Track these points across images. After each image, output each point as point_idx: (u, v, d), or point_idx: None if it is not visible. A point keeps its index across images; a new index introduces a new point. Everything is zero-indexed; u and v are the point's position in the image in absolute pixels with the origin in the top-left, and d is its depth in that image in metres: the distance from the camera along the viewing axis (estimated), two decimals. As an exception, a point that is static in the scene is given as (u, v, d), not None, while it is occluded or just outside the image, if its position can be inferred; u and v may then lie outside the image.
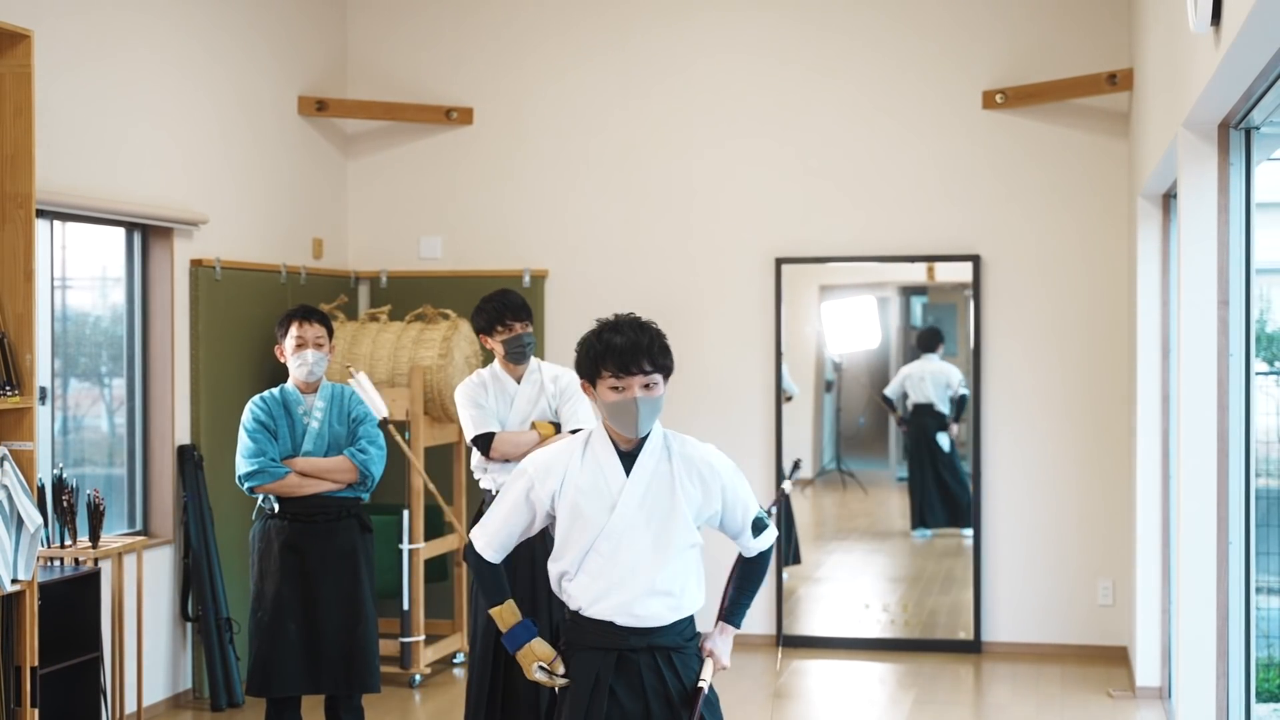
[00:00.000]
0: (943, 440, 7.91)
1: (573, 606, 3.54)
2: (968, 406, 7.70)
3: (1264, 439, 5.92)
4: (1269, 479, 6.13)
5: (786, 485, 4.28)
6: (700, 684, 3.52)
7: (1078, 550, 7.54)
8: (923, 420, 7.97)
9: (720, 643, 3.63)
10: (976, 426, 7.63)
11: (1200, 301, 4.69)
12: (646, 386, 3.45)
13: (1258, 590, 4.75)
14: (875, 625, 7.78)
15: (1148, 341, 6.78)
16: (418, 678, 7.03)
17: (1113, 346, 7.51)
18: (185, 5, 6.77)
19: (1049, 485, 7.58)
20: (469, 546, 3.68)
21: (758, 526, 3.60)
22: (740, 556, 3.70)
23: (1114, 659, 7.42)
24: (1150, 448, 6.76)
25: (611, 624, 3.48)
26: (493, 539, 3.63)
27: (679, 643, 3.52)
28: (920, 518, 8.04)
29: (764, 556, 3.67)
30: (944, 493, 7.96)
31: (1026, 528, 7.60)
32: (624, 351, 3.42)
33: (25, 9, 5.47)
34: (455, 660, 7.49)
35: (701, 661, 3.57)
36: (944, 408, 7.87)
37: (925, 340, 7.92)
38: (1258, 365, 4.72)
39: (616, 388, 3.45)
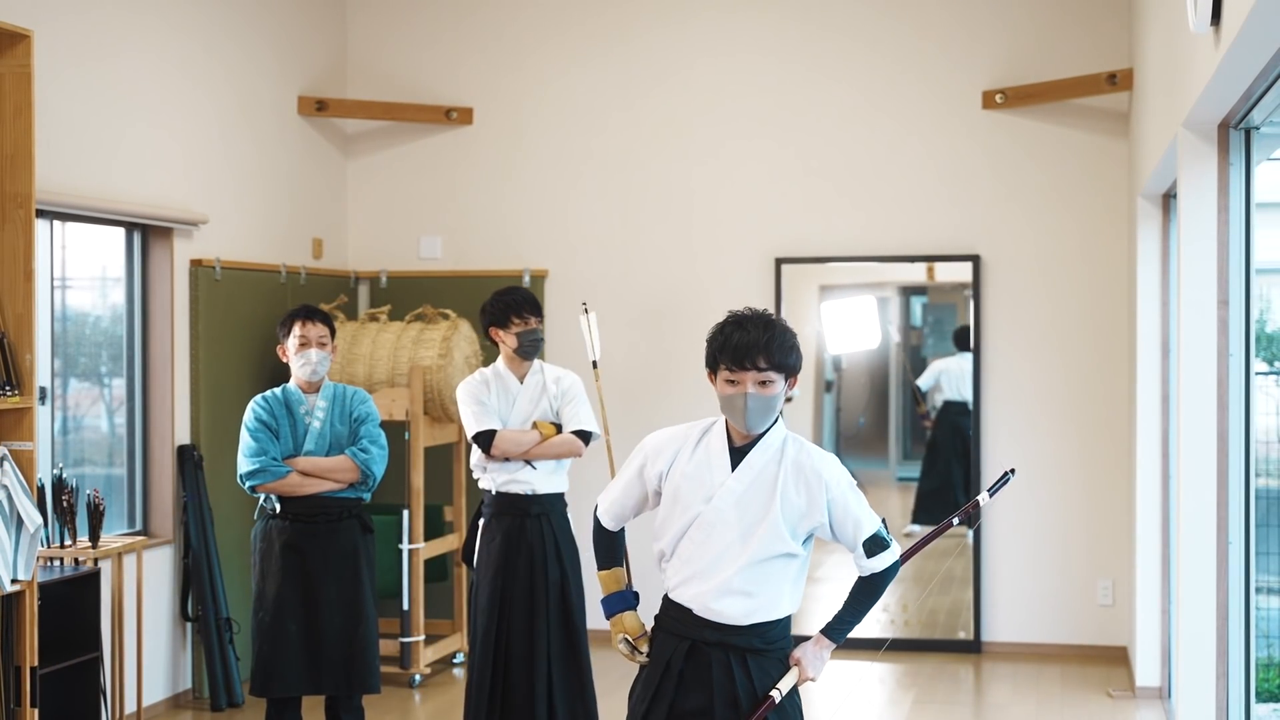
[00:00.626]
0: None
1: (665, 587, 3.55)
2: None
3: (1264, 439, 5.92)
4: (1269, 479, 6.14)
5: (983, 497, 3.87)
6: (772, 692, 3.45)
7: (1078, 550, 7.54)
8: (953, 417, 7.92)
9: (810, 653, 3.54)
10: (977, 426, 7.63)
11: (1200, 301, 4.70)
12: (762, 384, 3.40)
13: (1258, 590, 4.76)
14: (875, 625, 7.77)
15: (1148, 341, 6.78)
16: (417, 678, 7.03)
17: (1113, 346, 7.51)
18: (185, 5, 6.77)
19: (1049, 485, 7.58)
20: (596, 509, 3.73)
21: (874, 546, 3.52)
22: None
23: (1114, 659, 7.42)
24: (1150, 448, 6.76)
25: (690, 611, 3.47)
26: (610, 508, 3.68)
27: (757, 646, 3.47)
28: (932, 514, 7.99)
29: (877, 577, 3.56)
30: (967, 490, 7.95)
31: (1026, 528, 7.60)
32: (740, 347, 3.40)
33: (25, 9, 5.48)
34: (455, 660, 7.49)
35: (786, 669, 3.52)
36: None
37: (962, 338, 7.87)
38: (1257, 365, 4.72)
39: (731, 381, 3.42)
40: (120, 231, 6.54)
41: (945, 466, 8.01)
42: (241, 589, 6.71)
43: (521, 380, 5.45)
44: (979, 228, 7.66)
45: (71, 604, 5.64)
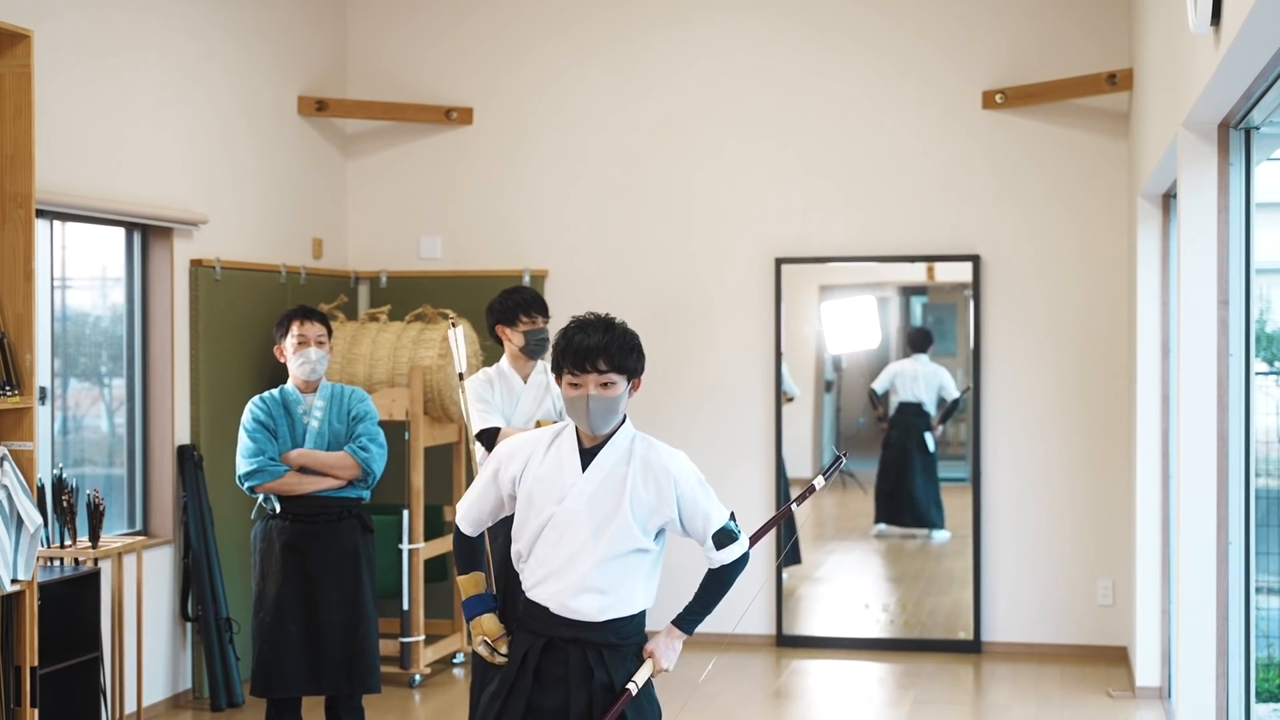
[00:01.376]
0: (930, 441, 7.99)
1: (524, 587, 3.63)
2: (964, 408, 7.73)
3: (1264, 439, 5.92)
4: (1269, 479, 6.14)
5: (819, 481, 3.96)
6: (629, 685, 3.53)
7: (1078, 550, 7.54)
8: (909, 419, 8.03)
9: (663, 645, 3.62)
10: (976, 426, 7.63)
11: (1200, 301, 4.70)
12: (604, 385, 3.50)
13: (1257, 590, 4.76)
14: (875, 625, 7.78)
15: (1147, 341, 6.78)
16: (417, 678, 7.03)
17: (1112, 346, 7.51)
18: (185, 5, 6.77)
19: (1049, 485, 7.58)
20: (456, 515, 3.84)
21: (723, 538, 3.60)
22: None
23: (1114, 659, 7.42)
24: (1150, 448, 6.76)
25: (546, 610, 3.57)
26: (467, 513, 3.79)
27: (613, 641, 3.55)
28: (892, 515, 8.09)
29: (727, 569, 3.65)
30: (927, 493, 8.04)
31: (1026, 528, 7.60)
32: (581, 350, 3.50)
33: (25, 9, 5.48)
34: (455, 660, 7.49)
35: (641, 663, 3.59)
36: (931, 408, 7.94)
37: (917, 340, 7.97)
38: (1257, 365, 4.72)
39: (574, 384, 3.53)
40: (120, 231, 6.54)
41: (899, 467, 8.10)
42: (241, 589, 6.71)
43: (525, 379, 5.48)
44: (979, 228, 7.66)
45: (71, 604, 5.64)
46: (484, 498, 3.73)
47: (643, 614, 3.62)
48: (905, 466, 8.08)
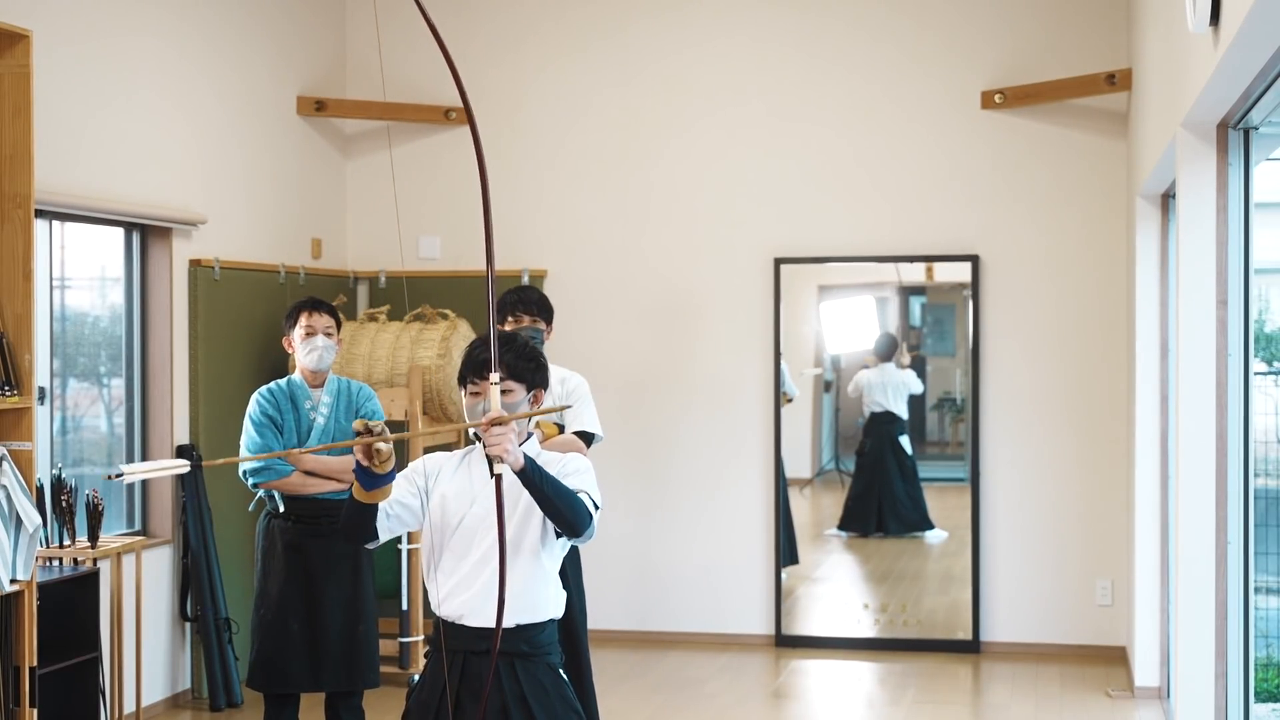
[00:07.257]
0: (907, 444, 8.03)
1: (433, 606, 3.61)
2: (961, 408, 7.74)
3: (1262, 439, 5.92)
4: (1267, 479, 6.14)
5: None
6: (498, 470, 3.35)
7: (1076, 550, 7.55)
8: (883, 427, 8.10)
9: (515, 443, 3.37)
10: (975, 426, 7.63)
11: (1199, 301, 4.70)
12: (501, 393, 3.48)
13: (1256, 590, 4.76)
14: (874, 625, 7.78)
15: (1146, 341, 6.79)
16: (416, 678, 7.02)
17: (1111, 346, 7.51)
18: (184, 5, 6.77)
19: (1048, 485, 7.58)
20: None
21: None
22: None
23: (1113, 659, 7.42)
24: (1149, 448, 6.76)
25: (458, 625, 3.54)
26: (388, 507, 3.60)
27: (524, 650, 3.53)
28: (858, 519, 8.16)
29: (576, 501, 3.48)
30: (911, 497, 8.09)
31: (1025, 528, 7.61)
32: (480, 359, 3.51)
33: (25, 9, 5.48)
34: (454, 660, 7.48)
35: (555, 676, 3.56)
36: (903, 415, 8.03)
37: (883, 348, 8.03)
38: (1256, 365, 4.73)
39: (474, 392, 3.54)
40: (119, 231, 6.53)
41: (871, 474, 8.18)
42: (240, 589, 6.71)
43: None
44: (978, 228, 7.66)
45: (70, 604, 5.64)
46: (396, 486, 3.49)
47: (553, 624, 3.59)
48: (884, 474, 8.14)
